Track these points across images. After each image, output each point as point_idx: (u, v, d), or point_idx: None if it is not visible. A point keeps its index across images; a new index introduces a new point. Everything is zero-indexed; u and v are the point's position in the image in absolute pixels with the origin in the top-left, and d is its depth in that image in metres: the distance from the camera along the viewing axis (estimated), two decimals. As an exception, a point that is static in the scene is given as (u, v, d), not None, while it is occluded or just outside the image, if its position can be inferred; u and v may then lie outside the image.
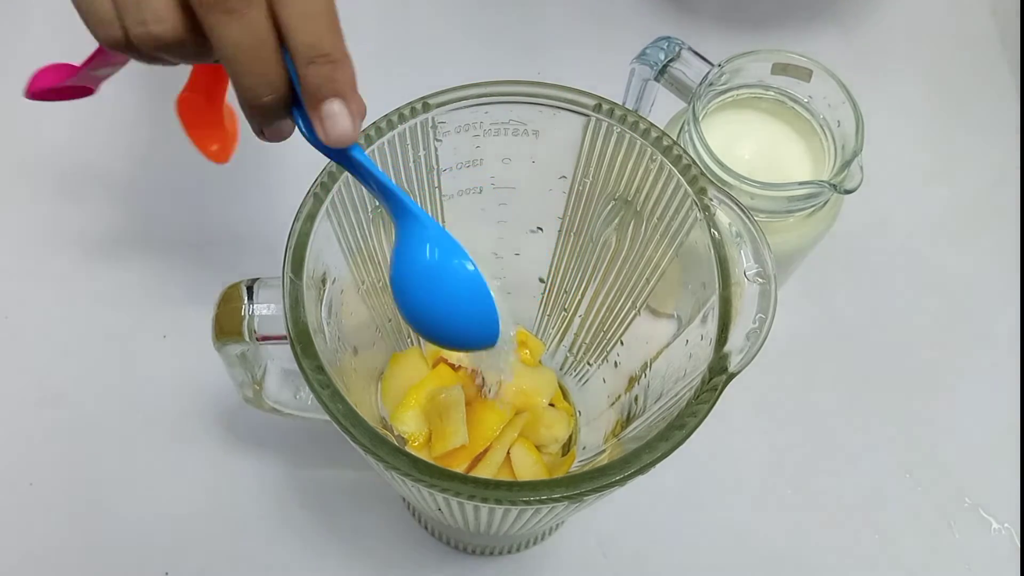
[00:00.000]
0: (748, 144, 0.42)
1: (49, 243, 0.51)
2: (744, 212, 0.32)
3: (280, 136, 0.30)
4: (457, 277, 0.31)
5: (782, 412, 0.48)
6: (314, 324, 0.31)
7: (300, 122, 0.28)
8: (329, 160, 0.33)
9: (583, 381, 0.42)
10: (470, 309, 0.31)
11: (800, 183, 0.39)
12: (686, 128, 0.41)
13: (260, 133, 0.30)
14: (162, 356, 0.48)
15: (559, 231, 0.39)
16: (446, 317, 0.31)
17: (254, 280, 0.34)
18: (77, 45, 0.56)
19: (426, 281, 0.31)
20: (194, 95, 0.44)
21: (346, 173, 0.33)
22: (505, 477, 0.39)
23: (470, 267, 0.31)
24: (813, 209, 0.41)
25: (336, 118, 0.27)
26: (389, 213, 0.31)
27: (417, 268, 0.31)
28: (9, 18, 0.58)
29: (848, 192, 0.39)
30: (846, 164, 0.39)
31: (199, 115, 0.44)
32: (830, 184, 0.39)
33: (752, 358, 0.30)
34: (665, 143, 0.33)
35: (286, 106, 0.28)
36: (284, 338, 0.30)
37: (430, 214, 0.38)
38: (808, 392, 0.48)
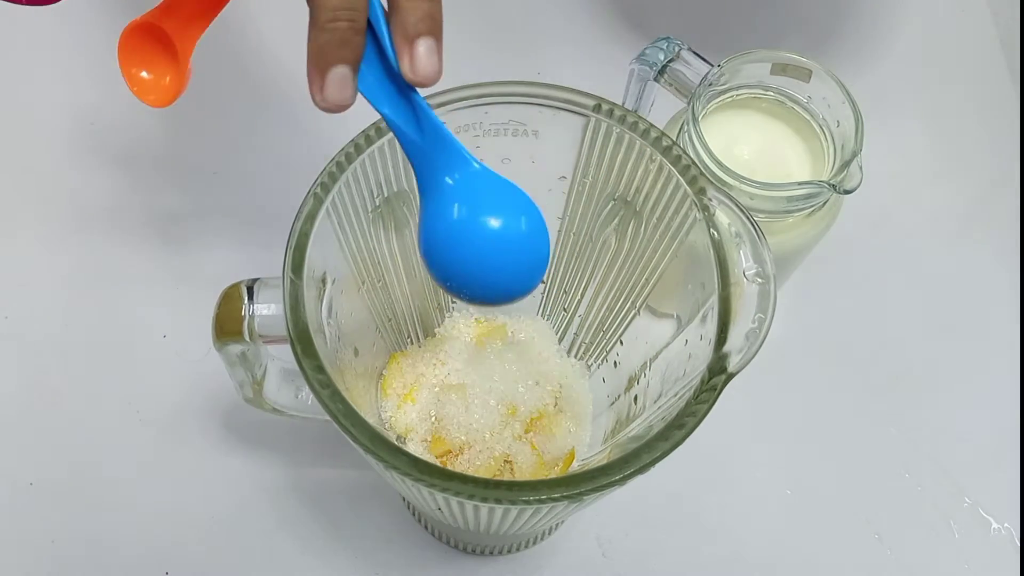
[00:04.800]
0: (748, 144, 0.42)
1: (48, 243, 0.51)
2: (743, 212, 0.32)
3: (341, 95, 0.27)
4: (518, 211, 0.30)
5: (782, 412, 0.48)
6: (314, 324, 0.31)
7: (376, 51, 0.27)
8: (331, 159, 0.33)
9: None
10: (526, 245, 0.31)
11: (799, 183, 0.39)
12: (685, 128, 0.41)
13: (319, 88, 0.27)
14: (162, 356, 0.48)
15: (559, 231, 0.39)
16: (500, 259, 0.30)
17: (254, 280, 0.34)
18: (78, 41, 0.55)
19: (479, 228, 0.30)
20: (157, 25, 0.37)
21: (347, 173, 0.33)
22: (505, 477, 0.39)
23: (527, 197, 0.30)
24: (813, 209, 0.41)
25: (430, 57, 0.26)
26: (419, 175, 0.29)
27: (467, 216, 0.29)
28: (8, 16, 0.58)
29: (847, 192, 0.39)
30: (846, 164, 0.39)
31: (151, 50, 0.38)
32: (829, 184, 0.39)
33: (751, 358, 0.30)
34: (665, 143, 0.33)
35: (361, 34, 0.26)
36: (284, 338, 0.30)
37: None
38: (808, 392, 0.48)
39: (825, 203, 0.41)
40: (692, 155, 0.39)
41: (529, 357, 0.41)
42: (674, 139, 0.39)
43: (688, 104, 0.41)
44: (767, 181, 0.39)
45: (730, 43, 0.45)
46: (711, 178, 0.37)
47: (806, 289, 0.50)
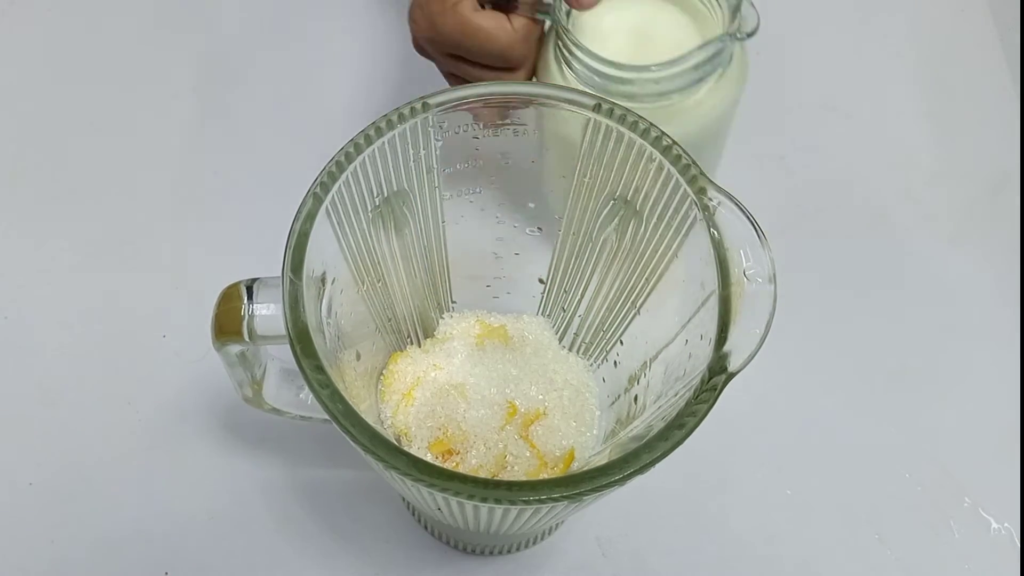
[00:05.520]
0: (624, 32, 0.41)
1: (48, 243, 0.51)
2: (744, 211, 0.32)
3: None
4: None
5: (782, 412, 0.48)
6: (314, 324, 0.31)
7: None
8: (330, 159, 0.33)
9: (583, 381, 0.42)
10: None
11: (700, 46, 0.38)
12: (560, 44, 0.40)
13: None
14: (162, 356, 0.48)
15: (559, 231, 0.39)
16: None
17: (254, 280, 0.34)
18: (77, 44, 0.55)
19: None
20: None
21: (346, 172, 0.33)
22: (505, 477, 0.39)
23: None
24: (720, 72, 0.40)
25: None
26: None
27: None
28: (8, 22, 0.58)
29: (750, 35, 0.38)
30: (735, 8, 0.38)
31: None
32: (729, 35, 0.37)
33: (752, 358, 0.30)
34: (665, 143, 0.33)
35: None
36: (284, 338, 0.30)
37: (430, 214, 0.38)
38: (808, 392, 0.48)
39: (731, 61, 0.40)
40: (579, 68, 0.38)
41: (529, 357, 0.41)
42: (552, 56, 0.39)
43: (551, 16, 0.40)
44: (662, 61, 0.37)
45: None
46: (607, 80, 0.36)
47: (806, 289, 0.50)
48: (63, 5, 0.59)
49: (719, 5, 0.40)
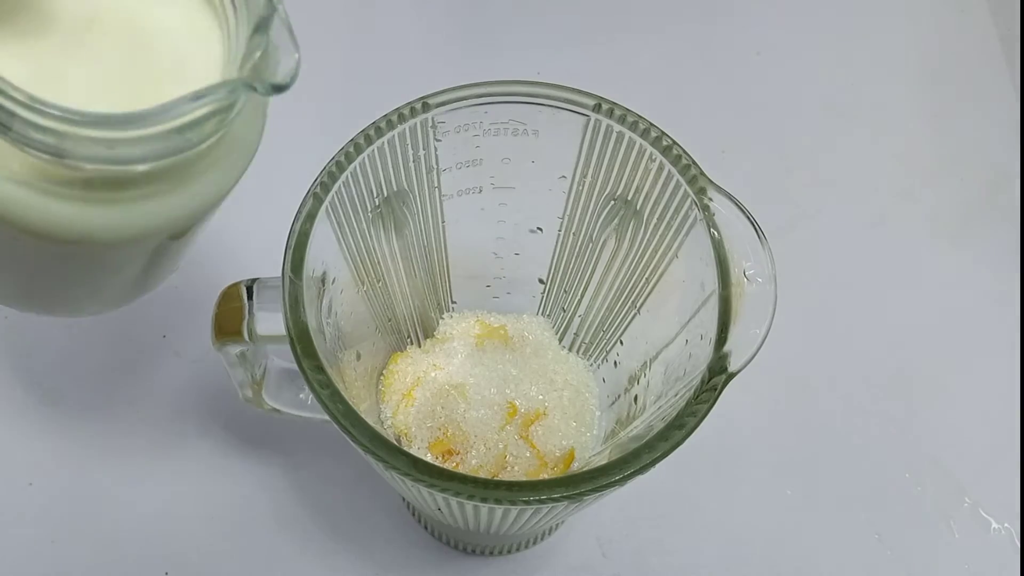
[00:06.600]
0: (82, 66, 0.24)
1: (49, 243, 0.51)
2: (744, 211, 0.32)
3: None
4: None
5: (782, 412, 0.48)
6: (314, 324, 0.31)
7: None
8: (330, 159, 0.33)
9: (583, 381, 0.42)
10: None
11: (194, 96, 0.21)
12: None
13: None
14: (162, 356, 0.48)
15: (559, 231, 0.39)
16: None
17: (254, 280, 0.34)
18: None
19: None
20: None
21: (346, 172, 0.33)
22: (505, 477, 0.39)
23: None
24: (220, 136, 0.23)
25: None
26: None
27: None
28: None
29: (281, 89, 0.23)
30: (260, 31, 0.22)
31: None
32: (245, 84, 0.22)
33: (752, 358, 0.30)
34: (665, 143, 0.33)
35: None
36: (284, 338, 0.30)
37: (430, 214, 0.38)
38: (808, 392, 0.48)
39: (237, 116, 0.23)
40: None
41: (529, 357, 0.41)
42: None
43: None
44: (133, 110, 0.21)
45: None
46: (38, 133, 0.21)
47: (806, 288, 0.50)
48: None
49: (235, 19, 0.24)
